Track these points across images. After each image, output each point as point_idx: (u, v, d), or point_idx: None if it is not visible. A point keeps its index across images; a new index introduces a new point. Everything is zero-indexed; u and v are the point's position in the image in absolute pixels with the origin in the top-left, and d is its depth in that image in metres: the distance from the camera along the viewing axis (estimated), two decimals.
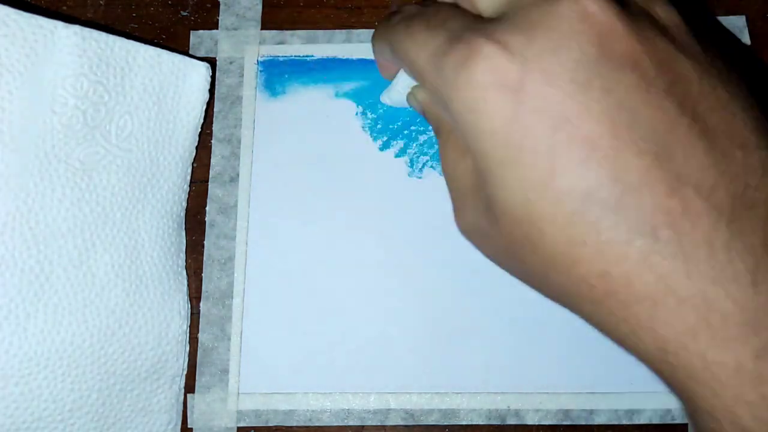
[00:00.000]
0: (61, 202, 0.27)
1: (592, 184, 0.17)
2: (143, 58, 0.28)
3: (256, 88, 0.32)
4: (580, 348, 0.30)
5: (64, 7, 0.33)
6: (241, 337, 0.30)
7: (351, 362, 0.30)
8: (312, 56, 0.32)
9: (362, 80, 0.32)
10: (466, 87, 0.18)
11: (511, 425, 0.30)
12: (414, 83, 0.24)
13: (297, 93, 0.32)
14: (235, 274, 0.31)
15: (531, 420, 0.30)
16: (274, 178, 0.31)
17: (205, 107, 0.30)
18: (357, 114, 0.32)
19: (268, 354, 0.30)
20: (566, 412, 0.30)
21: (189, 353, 0.30)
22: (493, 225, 0.20)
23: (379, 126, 0.32)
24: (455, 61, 0.18)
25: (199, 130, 0.31)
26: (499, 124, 0.18)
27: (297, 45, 0.32)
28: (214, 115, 0.32)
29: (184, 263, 0.31)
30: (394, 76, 0.25)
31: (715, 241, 0.16)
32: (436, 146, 0.31)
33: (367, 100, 0.32)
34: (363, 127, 0.32)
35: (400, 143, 0.32)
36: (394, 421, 0.30)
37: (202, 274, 0.31)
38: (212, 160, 0.32)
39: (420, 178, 0.31)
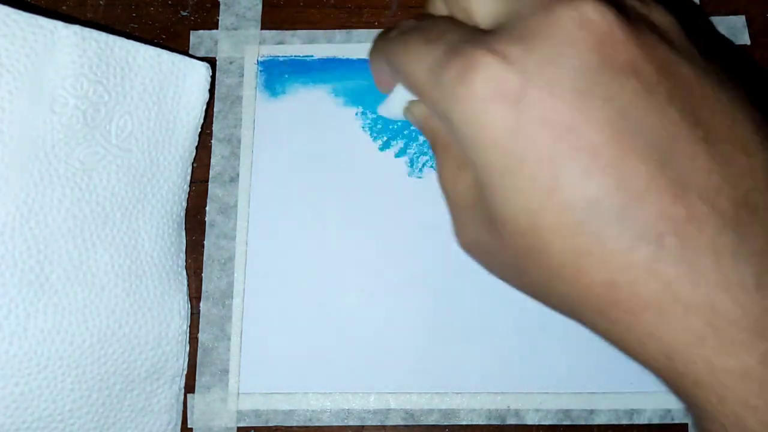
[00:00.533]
0: (61, 202, 0.27)
1: (596, 193, 0.17)
2: (143, 58, 0.28)
3: (256, 88, 0.32)
4: (580, 348, 0.30)
5: (64, 7, 0.33)
6: (241, 337, 0.30)
7: (351, 362, 0.30)
8: (312, 56, 0.32)
9: (362, 80, 0.32)
10: (466, 99, 0.18)
11: (511, 425, 0.30)
12: (411, 97, 0.24)
13: (297, 93, 0.32)
14: (235, 274, 0.31)
15: (531, 420, 0.30)
16: (274, 178, 0.31)
17: (205, 107, 0.30)
18: (357, 114, 0.32)
19: (268, 354, 0.30)
20: (566, 412, 0.30)
21: (189, 353, 0.30)
22: (495, 238, 0.20)
23: (379, 126, 0.32)
24: (454, 73, 0.18)
25: (199, 130, 0.31)
26: (500, 135, 0.18)
27: (297, 45, 0.32)
28: (214, 115, 0.32)
29: (184, 263, 0.31)
30: (391, 91, 0.24)
31: (720, 246, 0.16)
32: None
33: (367, 100, 0.32)
34: (363, 127, 0.32)
35: (400, 143, 0.32)
36: (394, 421, 0.30)
37: (202, 274, 0.31)
38: (212, 160, 0.32)
39: (420, 178, 0.31)
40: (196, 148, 0.31)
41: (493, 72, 0.17)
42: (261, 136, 0.32)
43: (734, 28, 0.33)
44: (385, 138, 0.32)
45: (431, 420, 0.30)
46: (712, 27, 0.33)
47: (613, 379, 0.30)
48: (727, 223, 0.16)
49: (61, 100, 0.26)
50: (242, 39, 0.32)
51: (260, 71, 0.32)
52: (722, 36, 0.33)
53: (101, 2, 0.33)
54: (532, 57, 0.17)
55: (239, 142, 0.32)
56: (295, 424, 0.30)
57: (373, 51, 0.24)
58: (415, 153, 0.32)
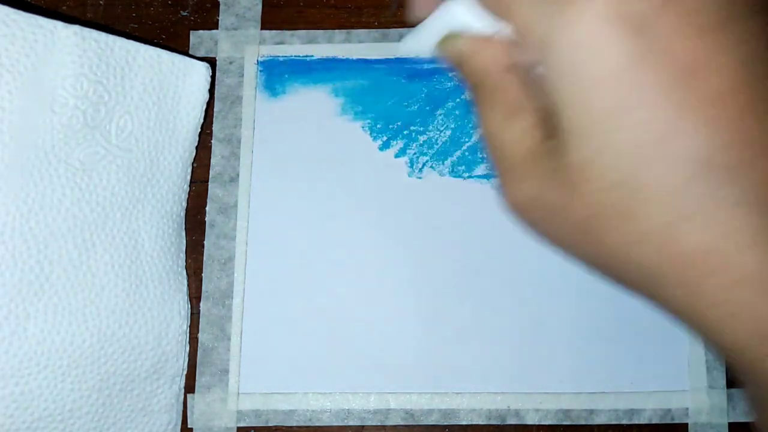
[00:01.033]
0: (61, 202, 0.27)
1: (712, 149, 0.15)
2: (143, 58, 0.28)
3: (256, 88, 0.32)
4: (580, 348, 0.30)
5: (64, 7, 0.33)
6: (241, 337, 0.30)
7: (351, 362, 0.30)
8: (312, 56, 0.32)
9: (362, 80, 0.32)
10: (579, 18, 0.15)
11: (511, 425, 0.30)
12: (452, 27, 0.20)
13: (297, 93, 0.32)
14: (235, 274, 0.31)
15: (531, 420, 0.30)
16: (274, 178, 0.31)
17: (205, 107, 0.30)
18: (357, 114, 0.32)
19: (268, 354, 0.30)
20: (566, 412, 0.30)
21: (189, 353, 0.30)
22: (565, 193, 0.17)
23: (379, 126, 0.32)
24: None
25: (199, 130, 0.31)
26: (616, 65, 0.15)
27: (297, 45, 0.32)
28: (214, 115, 0.32)
29: (184, 263, 0.31)
30: (424, 17, 0.22)
31: None
32: (436, 146, 0.32)
33: (367, 99, 0.32)
34: (363, 127, 0.32)
35: (400, 143, 0.32)
36: (394, 421, 0.30)
37: (202, 274, 0.31)
38: (212, 160, 0.32)
39: (420, 178, 0.31)
40: (196, 148, 0.31)
41: None
42: (261, 136, 0.32)
43: None
44: (385, 138, 0.32)
45: (431, 420, 0.30)
46: None
47: (613, 379, 0.30)
48: None
49: (61, 100, 0.26)
50: (242, 39, 0.32)
51: (260, 71, 0.32)
52: None
53: (101, 2, 0.33)
54: None
55: (239, 142, 0.32)
56: (295, 424, 0.30)
57: None
58: (414, 153, 0.32)
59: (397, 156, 0.32)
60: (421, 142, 0.32)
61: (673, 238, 0.16)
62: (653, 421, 0.30)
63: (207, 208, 0.31)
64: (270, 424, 0.30)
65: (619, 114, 0.15)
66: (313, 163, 0.31)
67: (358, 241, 0.31)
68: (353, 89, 0.32)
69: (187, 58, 0.29)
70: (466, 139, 0.32)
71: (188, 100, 0.30)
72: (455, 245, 0.31)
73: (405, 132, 0.32)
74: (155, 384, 0.29)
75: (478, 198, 0.31)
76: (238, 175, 0.31)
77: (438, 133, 0.32)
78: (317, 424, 0.30)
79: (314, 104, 0.32)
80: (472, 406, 0.30)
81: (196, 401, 0.30)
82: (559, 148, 0.17)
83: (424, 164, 0.31)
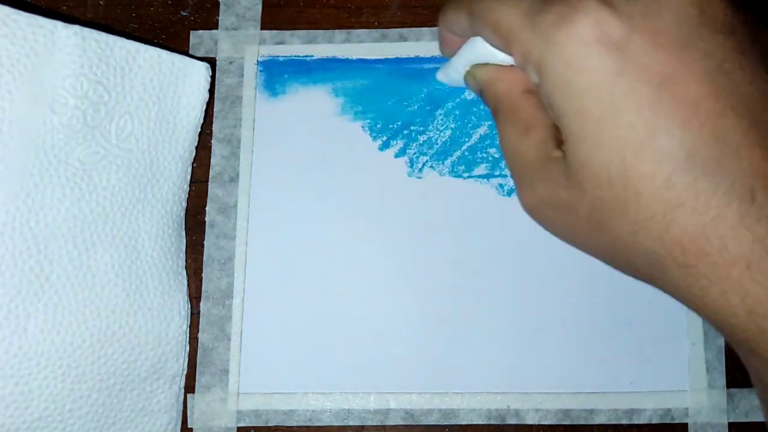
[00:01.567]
0: (61, 202, 0.27)
1: (693, 145, 0.17)
2: (143, 58, 0.28)
3: (256, 88, 0.32)
4: (580, 348, 0.30)
5: (64, 7, 0.33)
6: (241, 337, 0.30)
7: (351, 362, 0.30)
8: (312, 56, 0.32)
9: (362, 80, 0.32)
10: (567, 42, 0.18)
11: (511, 425, 0.30)
12: (475, 61, 0.23)
13: (297, 93, 0.32)
14: (235, 274, 0.31)
15: (531, 420, 0.30)
16: (274, 178, 0.31)
17: (205, 107, 0.30)
18: (357, 114, 0.32)
19: (268, 354, 0.30)
20: (566, 412, 0.30)
21: (189, 353, 0.30)
22: (573, 194, 0.19)
23: (378, 126, 0.32)
24: (555, 17, 0.18)
25: (199, 130, 0.31)
26: (601, 79, 0.18)
27: (297, 45, 0.32)
28: (214, 115, 0.32)
29: (184, 263, 0.31)
30: (454, 53, 0.24)
31: None
32: (436, 146, 0.32)
33: (367, 99, 0.32)
34: (363, 127, 0.32)
35: (400, 143, 0.32)
36: (394, 421, 0.30)
37: (202, 274, 0.31)
38: (212, 160, 0.32)
39: (420, 178, 0.31)
40: (196, 148, 0.31)
41: (597, 16, 0.18)
42: (261, 136, 0.32)
43: None
44: (384, 138, 0.32)
45: (431, 420, 0.30)
46: None
47: (613, 379, 0.30)
48: None
49: (61, 100, 0.26)
50: (242, 39, 0.32)
51: (260, 71, 0.32)
52: None
53: (101, 2, 0.33)
54: (636, 5, 0.18)
55: (239, 142, 0.32)
56: (295, 424, 0.30)
57: (451, 4, 0.23)
58: (414, 153, 0.32)
59: (397, 156, 0.32)
60: (421, 142, 0.32)
61: (669, 225, 0.18)
62: (653, 421, 0.30)
63: (207, 208, 0.31)
64: (270, 424, 0.30)
65: (608, 119, 0.18)
66: (313, 163, 0.31)
67: (358, 241, 0.31)
68: (353, 89, 0.32)
69: (187, 58, 0.29)
70: (466, 139, 0.32)
71: (188, 100, 0.30)
72: (455, 245, 0.31)
73: (405, 132, 0.32)
74: (155, 384, 0.29)
75: (478, 198, 0.31)
76: (238, 175, 0.31)
77: (438, 133, 0.32)
78: (317, 424, 0.30)
79: (314, 104, 0.32)
80: (472, 406, 0.30)
81: (196, 401, 0.30)
82: (566, 155, 0.19)
83: (424, 164, 0.31)
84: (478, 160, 0.31)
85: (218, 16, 0.33)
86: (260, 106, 0.32)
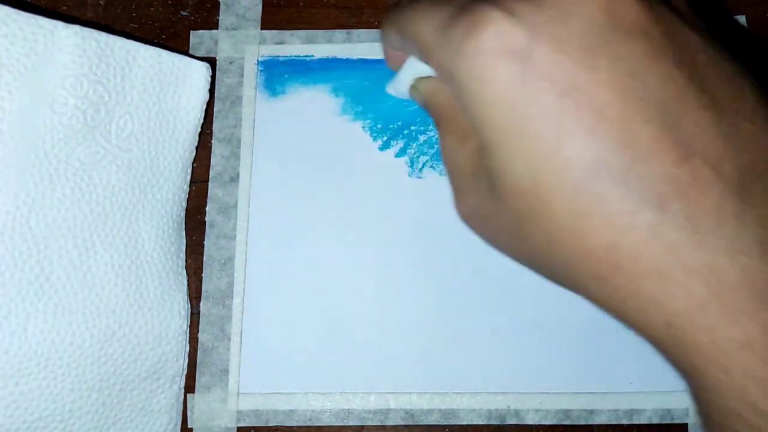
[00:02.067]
0: (61, 202, 0.27)
1: (600, 153, 0.16)
2: (143, 58, 0.28)
3: (256, 88, 0.32)
4: (580, 348, 0.30)
5: (64, 7, 0.33)
6: (241, 337, 0.30)
7: (351, 362, 0.30)
8: (312, 56, 0.32)
9: (362, 80, 0.32)
10: (472, 54, 0.18)
11: (511, 425, 0.30)
12: (418, 74, 0.24)
13: (297, 93, 0.32)
14: (235, 274, 0.31)
15: (531, 420, 0.30)
16: (274, 178, 0.31)
17: (205, 107, 0.30)
18: (357, 114, 0.32)
19: (268, 354, 0.30)
20: (566, 412, 0.30)
21: (189, 353, 0.30)
22: (495, 204, 0.19)
23: (379, 126, 0.32)
24: (462, 29, 0.18)
25: (199, 130, 0.31)
26: (505, 90, 0.17)
27: (297, 45, 0.32)
28: (214, 115, 0.32)
29: (184, 263, 0.31)
30: (399, 67, 0.25)
31: (724, 211, 0.16)
32: (436, 146, 0.32)
33: (367, 99, 0.32)
34: (363, 127, 0.32)
35: (400, 143, 0.32)
36: (394, 421, 0.30)
37: (202, 274, 0.31)
38: (212, 160, 0.32)
39: (420, 178, 0.31)
40: (196, 148, 0.31)
41: (500, 27, 0.17)
42: (261, 136, 0.32)
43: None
44: (385, 138, 0.32)
45: (431, 420, 0.30)
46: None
47: (613, 379, 0.30)
48: (732, 189, 0.16)
49: (61, 100, 0.26)
50: (242, 39, 0.32)
51: (260, 71, 0.32)
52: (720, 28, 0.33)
53: (101, 2, 0.33)
54: (541, 14, 0.17)
55: (239, 142, 0.32)
56: (295, 424, 0.30)
57: (386, 22, 0.24)
58: (415, 153, 0.32)
59: (397, 156, 0.32)
60: (422, 141, 0.32)
61: (581, 236, 0.17)
62: (653, 421, 0.30)
63: (207, 208, 0.31)
64: (270, 424, 0.30)
65: (514, 130, 0.18)
66: (313, 163, 0.31)
67: (358, 241, 0.31)
68: (353, 89, 0.32)
69: (187, 58, 0.29)
70: None
71: (188, 100, 0.30)
72: (455, 245, 0.31)
73: (405, 132, 0.32)
74: (155, 384, 0.29)
75: None
76: (238, 175, 0.31)
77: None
78: (317, 424, 0.30)
79: (314, 104, 0.32)
80: (472, 406, 0.30)
81: (196, 401, 0.30)
82: (489, 167, 0.19)
83: (424, 164, 0.31)
84: None
85: (218, 16, 0.33)
86: (260, 106, 0.32)
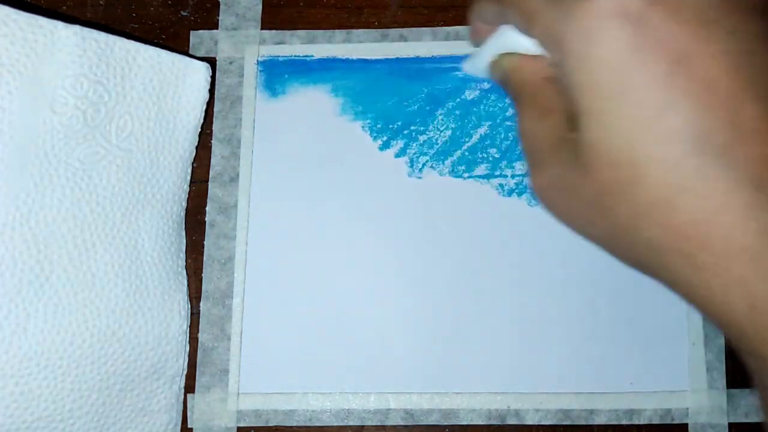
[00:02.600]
0: (61, 202, 0.27)
1: (704, 128, 0.16)
2: (143, 58, 0.28)
3: (256, 88, 0.32)
4: (580, 348, 0.30)
5: (64, 7, 0.33)
6: (241, 337, 0.30)
7: (351, 362, 0.30)
8: (312, 56, 0.32)
9: (362, 80, 0.32)
10: (585, 15, 0.18)
11: (511, 425, 0.30)
12: (502, 50, 0.24)
13: (297, 93, 0.32)
14: (235, 274, 0.31)
15: (531, 420, 0.30)
16: (274, 178, 0.31)
17: (205, 107, 0.30)
18: (357, 114, 0.32)
19: (268, 354, 0.30)
20: (566, 412, 0.30)
21: (189, 353, 0.30)
22: (579, 175, 0.19)
23: (379, 126, 0.32)
24: None
25: (199, 130, 0.31)
26: (615, 53, 0.17)
27: (297, 45, 0.32)
28: (214, 115, 0.32)
29: (184, 263, 0.31)
30: (482, 43, 0.25)
31: None
32: (436, 146, 0.32)
33: (367, 99, 0.32)
34: (363, 127, 0.32)
35: (400, 143, 0.32)
36: (394, 421, 0.30)
37: (202, 274, 0.31)
38: (212, 160, 0.32)
39: (420, 178, 0.31)
40: (196, 148, 0.31)
41: None
42: (261, 136, 0.32)
43: None
44: (385, 138, 0.32)
45: (431, 420, 0.30)
46: None
47: (613, 379, 0.30)
48: None
49: (61, 100, 0.26)
50: (242, 39, 0.32)
51: (260, 71, 0.32)
52: None
53: (101, 2, 0.33)
54: None
55: (239, 142, 0.32)
56: (295, 424, 0.30)
57: None
58: (415, 153, 0.32)
59: (397, 156, 0.32)
60: (421, 142, 0.32)
61: (673, 211, 0.17)
62: (653, 422, 0.29)
63: (207, 208, 0.31)
64: (270, 424, 0.30)
65: (618, 95, 0.17)
66: (313, 163, 0.31)
67: (357, 241, 0.31)
68: (353, 89, 0.32)
69: (187, 58, 0.29)
70: (466, 139, 0.32)
71: (188, 100, 0.30)
72: (455, 245, 0.31)
73: (405, 132, 0.32)
74: (155, 384, 0.29)
75: (478, 198, 0.31)
76: (238, 175, 0.31)
77: (438, 133, 0.32)
78: (317, 424, 0.30)
79: (314, 104, 0.32)
80: (472, 406, 0.30)
81: (196, 401, 0.30)
82: (578, 135, 0.19)
83: (424, 164, 0.31)
84: (478, 160, 0.31)
85: (218, 16, 0.33)
86: (260, 106, 0.32)
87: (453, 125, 0.32)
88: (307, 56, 0.32)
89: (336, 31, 0.33)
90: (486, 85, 0.30)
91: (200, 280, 0.31)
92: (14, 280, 0.26)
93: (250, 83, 0.32)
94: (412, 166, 0.31)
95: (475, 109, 0.32)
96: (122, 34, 0.29)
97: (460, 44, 0.32)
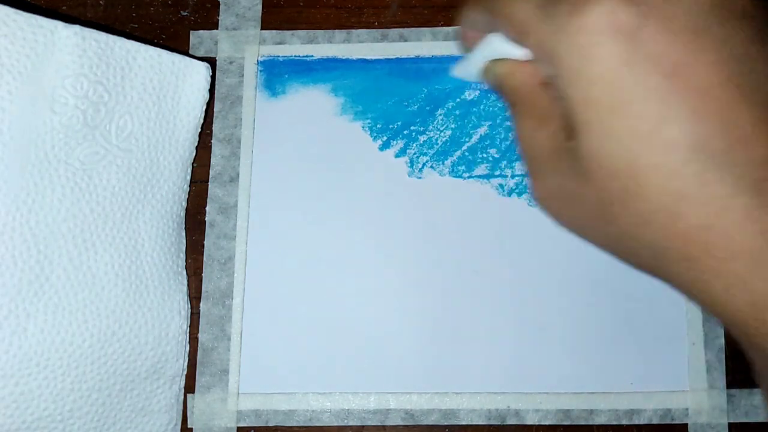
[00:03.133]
0: (61, 202, 0.27)
1: (702, 136, 0.17)
2: (143, 58, 0.28)
3: (256, 88, 0.32)
4: (580, 348, 0.30)
5: (64, 7, 0.33)
6: (241, 337, 0.30)
7: (351, 362, 0.30)
8: (312, 56, 0.32)
9: (362, 80, 0.32)
10: (579, 32, 0.18)
11: (511, 425, 0.30)
12: (492, 56, 0.24)
13: (297, 93, 0.32)
14: (235, 274, 0.31)
15: (531, 420, 0.30)
16: (274, 178, 0.31)
17: (205, 107, 0.30)
18: (357, 114, 0.32)
19: (268, 354, 0.30)
20: (566, 412, 0.30)
21: (189, 353, 0.30)
22: (581, 184, 0.19)
23: (379, 126, 0.32)
24: (568, 8, 0.18)
25: (199, 130, 0.31)
26: (611, 69, 0.18)
27: (297, 45, 0.32)
28: (214, 115, 0.32)
29: (184, 263, 0.31)
30: (472, 49, 0.25)
31: None
32: (436, 146, 0.32)
33: (367, 99, 0.32)
34: (363, 127, 0.32)
35: (400, 143, 0.32)
36: (394, 421, 0.30)
37: (202, 274, 0.31)
38: (212, 160, 0.32)
39: (420, 178, 0.31)
40: (196, 148, 0.31)
41: (610, 5, 0.18)
42: (261, 136, 0.32)
43: None
44: (385, 138, 0.32)
45: (431, 420, 0.30)
46: None
47: (613, 379, 0.30)
48: None
49: (61, 100, 0.26)
50: (242, 39, 0.32)
51: (260, 71, 0.32)
52: None
53: (101, 2, 0.33)
54: None
55: (239, 142, 0.32)
56: (295, 424, 0.30)
57: (471, 1, 0.24)
58: (415, 153, 0.32)
59: (397, 156, 0.32)
60: (421, 142, 0.32)
61: (675, 217, 0.17)
62: (653, 422, 0.30)
63: (207, 208, 0.31)
64: (270, 424, 0.30)
65: (617, 108, 0.18)
66: (313, 163, 0.31)
67: (358, 241, 0.31)
68: (353, 89, 0.32)
69: (187, 58, 0.29)
70: (466, 139, 0.32)
71: (188, 100, 0.30)
72: (455, 245, 0.31)
73: (405, 132, 0.32)
74: (155, 384, 0.29)
75: (478, 198, 0.31)
76: (238, 175, 0.31)
77: (438, 133, 0.32)
78: (317, 424, 0.30)
79: (314, 104, 0.32)
80: (472, 406, 0.30)
81: (196, 401, 0.30)
82: (576, 145, 0.19)
83: (424, 164, 0.31)
84: (478, 160, 0.31)
85: (218, 16, 0.33)
86: (260, 106, 0.32)
87: (453, 125, 0.32)
88: (307, 56, 0.32)
89: (336, 31, 0.33)
90: (485, 86, 0.30)
91: (200, 280, 0.31)
92: (14, 280, 0.26)
93: (250, 83, 0.32)
94: (412, 166, 0.31)
95: (475, 109, 0.32)
96: (122, 34, 0.29)
97: None
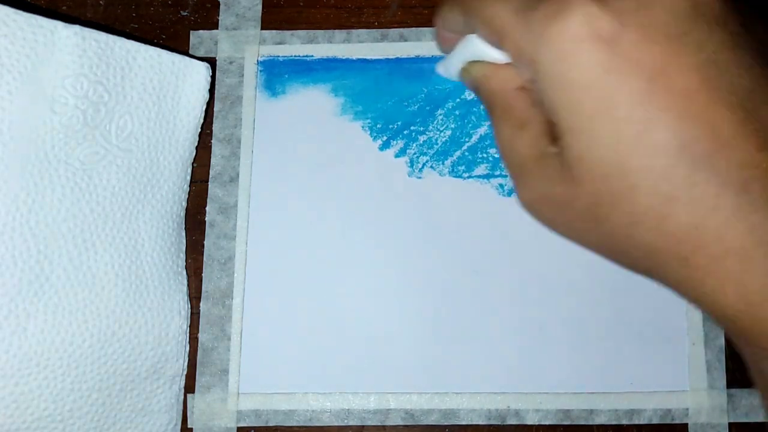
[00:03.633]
0: (61, 202, 0.27)
1: (688, 137, 0.17)
2: (143, 58, 0.28)
3: (256, 88, 0.32)
4: (580, 348, 0.30)
5: (64, 7, 0.33)
6: (241, 337, 0.30)
7: (351, 362, 0.30)
8: (312, 56, 0.32)
9: (362, 80, 0.32)
10: (558, 39, 0.18)
11: (511, 425, 0.30)
12: (470, 58, 0.24)
13: (297, 93, 0.32)
14: (235, 274, 0.31)
15: (531, 420, 0.30)
16: (274, 178, 0.31)
17: (205, 107, 0.30)
18: (357, 114, 0.32)
19: (268, 354, 0.30)
20: (566, 412, 0.30)
21: (189, 353, 0.30)
22: (569, 188, 0.19)
23: (379, 126, 0.32)
24: (546, 14, 0.18)
25: (199, 130, 0.31)
26: (593, 75, 0.18)
27: (297, 45, 0.32)
28: (214, 115, 0.32)
29: (184, 263, 0.31)
30: (451, 50, 0.25)
31: None
32: (436, 146, 0.32)
33: (367, 99, 0.32)
34: (363, 127, 0.32)
35: (400, 143, 0.32)
36: (394, 421, 0.30)
37: (202, 274, 0.31)
38: (212, 160, 0.32)
39: (420, 178, 0.31)
40: (196, 148, 0.31)
41: (588, 12, 0.18)
42: (261, 136, 0.32)
43: None
44: (385, 138, 0.32)
45: (431, 420, 0.30)
46: None
47: (613, 379, 0.30)
48: None
49: (61, 100, 0.26)
50: (242, 39, 0.32)
51: (260, 71, 0.32)
52: None
53: (101, 2, 0.33)
54: (627, 1, 0.18)
55: (239, 142, 0.32)
56: (295, 424, 0.30)
57: (447, 3, 0.24)
58: (415, 153, 0.32)
59: (397, 156, 0.32)
60: (421, 142, 0.32)
61: (664, 218, 0.18)
62: (653, 421, 0.30)
63: (207, 208, 0.31)
64: (270, 424, 0.30)
65: (602, 114, 0.18)
66: (313, 163, 0.31)
67: (357, 241, 0.31)
68: (353, 89, 0.32)
69: (187, 58, 0.29)
70: (466, 139, 0.32)
71: (188, 100, 0.30)
72: (455, 245, 0.31)
73: (405, 132, 0.32)
74: (155, 384, 0.29)
75: (478, 198, 0.31)
76: (238, 175, 0.31)
77: (438, 133, 0.32)
78: (317, 424, 0.30)
79: (314, 104, 0.32)
80: (472, 406, 0.30)
81: (196, 401, 0.30)
82: (561, 150, 0.19)
83: (424, 164, 0.31)
84: (478, 160, 0.31)
85: (218, 16, 0.33)
86: (260, 106, 0.32)
87: (453, 125, 0.32)
88: (307, 56, 0.32)
89: (336, 31, 0.33)
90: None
91: (200, 280, 0.31)
92: (14, 280, 0.26)
93: (250, 83, 0.32)
94: (412, 166, 0.31)
95: (475, 109, 0.32)
96: (122, 34, 0.29)
97: None
